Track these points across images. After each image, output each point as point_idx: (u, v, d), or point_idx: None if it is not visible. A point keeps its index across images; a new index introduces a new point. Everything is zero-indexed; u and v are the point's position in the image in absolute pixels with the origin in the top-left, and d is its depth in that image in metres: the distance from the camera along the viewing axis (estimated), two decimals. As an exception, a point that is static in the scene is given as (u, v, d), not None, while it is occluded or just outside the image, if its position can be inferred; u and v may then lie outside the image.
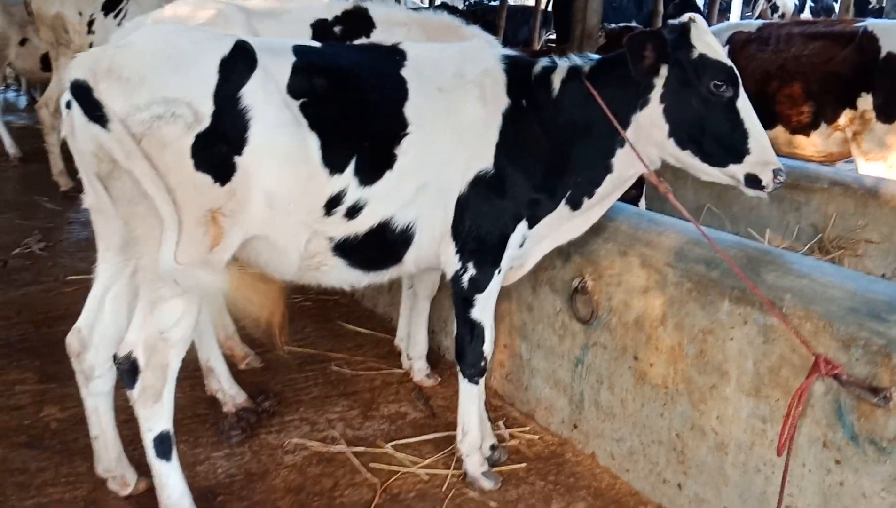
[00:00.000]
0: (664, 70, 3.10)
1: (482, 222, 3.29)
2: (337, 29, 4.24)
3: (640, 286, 3.50)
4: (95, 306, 3.25)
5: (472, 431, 3.60)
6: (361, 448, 3.83)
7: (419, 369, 4.54)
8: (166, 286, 2.91)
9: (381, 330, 5.15)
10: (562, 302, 3.91)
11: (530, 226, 3.40)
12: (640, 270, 3.51)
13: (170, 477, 3.16)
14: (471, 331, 3.47)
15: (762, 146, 3.11)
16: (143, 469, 3.48)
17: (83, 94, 2.73)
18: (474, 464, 3.59)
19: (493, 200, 3.28)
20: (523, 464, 3.77)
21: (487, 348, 3.52)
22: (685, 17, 3.17)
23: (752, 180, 3.12)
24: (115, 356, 3.07)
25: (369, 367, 4.68)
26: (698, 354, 3.25)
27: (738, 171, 3.12)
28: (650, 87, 3.14)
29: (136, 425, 3.76)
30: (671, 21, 3.29)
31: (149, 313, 2.97)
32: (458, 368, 3.56)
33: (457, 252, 3.35)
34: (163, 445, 3.11)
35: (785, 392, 2.91)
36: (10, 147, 9.91)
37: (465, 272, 3.37)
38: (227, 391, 4.08)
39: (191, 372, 4.15)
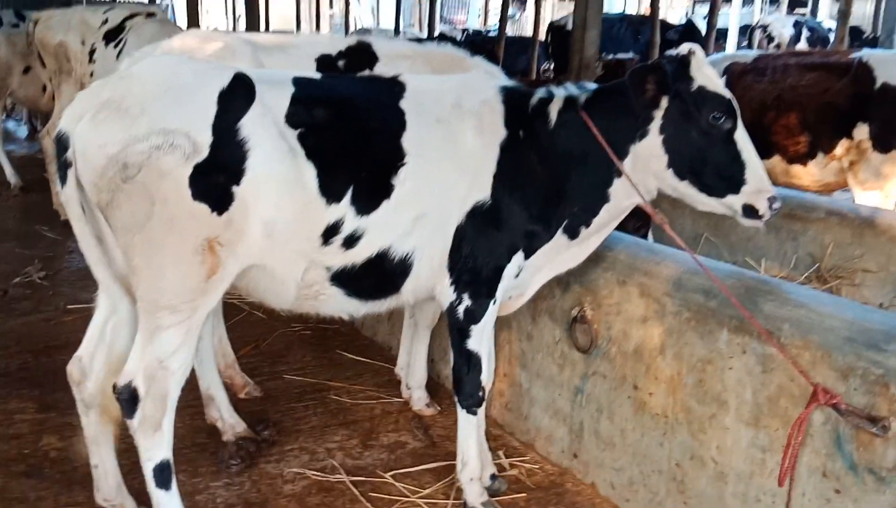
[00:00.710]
0: (664, 102, 3.13)
1: (478, 253, 3.30)
2: (341, 63, 4.29)
3: (639, 316, 3.52)
4: (97, 335, 3.26)
5: (472, 461, 3.59)
6: (361, 478, 3.82)
7: (418, 398, 4.54)
8: (165, 315, 2.93)
9: (381, 359, 5.15)
10: (561, 331, 3.92)
11: (526, 257, 3.41)
12: (639, 299, 3.53)
13: (169, 506, 3.16)
14: (467, 362, 3.47)
15: (759, 177, 3.14)
16: (142, 499, 3.48)
17: (60, 148, 2.86)
18: (474, 494, 3.58)
19: (490, 231, 3.29)
20: (523, 494, 3.76)
21: (485, 378, 3.52)
22: (684, 48, 3.19)
23: (749, 211, 3.15)
24: (114, 386, 3.08)
25: (368, 396, 4.68)
26: (697, 383, 3.26)
27: (735, 201, 3.15)
28: (649, 118, 3.16)
29: (136, 454, 3.77)
30: (669, 52, 3.32)
31: (148, 342, 2.98)
32: (456, 398, 3.57)
33: (452, 283, 3.35)
34: (163, 474, 3.11)
35: (784, 422, 2.92)
36: (11, 176, 9.96)
37: (460, 303, 3.38)
38: (227, 420, 4.08)
39: (190, 401, 4.16)
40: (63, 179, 2.87)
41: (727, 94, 3.14)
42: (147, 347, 2.99)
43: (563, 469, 3.96)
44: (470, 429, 3.58)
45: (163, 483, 3.13)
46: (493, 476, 3.77)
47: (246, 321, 5.74)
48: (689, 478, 3.33)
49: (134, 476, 3.65)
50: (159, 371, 2.98)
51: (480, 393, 3.52)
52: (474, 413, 3.56)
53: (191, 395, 4.05)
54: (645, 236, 4.93)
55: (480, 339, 3.45)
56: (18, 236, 7.89)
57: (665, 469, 3.43)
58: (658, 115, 3.15)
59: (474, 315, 3.39)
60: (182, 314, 2.95)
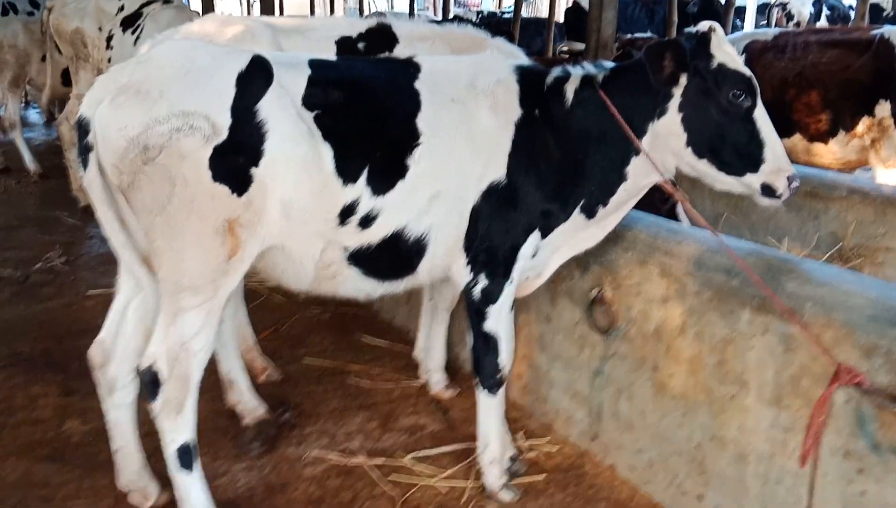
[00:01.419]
0: (683, 79, 3.10)
1: (494, 233, 3.29)
2: (361, 45, 4.28)
3: (660, 296, 3.49)
4: (118, 318, 3.29)
5: (493, 442, 3.59)
6: (380, 461, 3.83)
7: (437, 381, 4.54)
8: (187, 296, 2.95)
9: (400, 342, 5.15)
10: (580, 313, 3.90)
11: (543, 236, 3.40)
12: (660, 279, 3.50)
13: (192, 489, 3.18)
14: (486, 343, 3.47)
15: (777, 155, 3.12)
16: (164, 482, 3.51)
17: (81, 133, 2.88)
18: (494, 476, 3.59)
19: (505, 211, 3.28)
20: (542, 476, 3.76)
21: (504, 359, 3.51)
22: (704, 25, 3.16)
23: (768, 190, 3.14)
24: (137, 368, 3.10)
25: (388, 379, 4.69)
26: (718, 364, 3.24)
27: (754, 180, 3.14)
28: (668, 96, 3.14)
29: (158, 438, 3.80)
30: (688, 29, 3.28)
31: (170, 324, 3.00)
32: (477, 380, 3.56)
33: (468, 264, 3.35)
34: (185, 457, 3.14)
35: (806, 402, 2.90)
36: (31, 163, 10.03)
37: (476, 284, 3.38)
38: (247, 404, 4.09)
39: (211, 385, 4.18)
40: (85, 164, 2.90)
41: (747, 71, 3.11)
42: (169, 329, 3.00)
43: (582, 451, 3.95)
44: (490, 410, 3.58)
45: (185, 465, 3.15)
46: (512, 458, 3.77)
47: (265, 305, 5.76)
48: (709, 459, 3.31)
49: (157, 460, 3.68)
50: (182, 353, 3.00)
51: (500, 374, 3.52)
52: (494, 394, 3.56)
53: (211, 378, 4.07)
54: (673, 214, 4.86)
55: (499, 319, 3.44)
56: (39, 223, 7.94)
57: (685, 451, 3.41)
58: (677, 92, 3.13)
59: (491, 296, 3.38)
60: (204, 296, 2.97)
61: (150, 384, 3.05)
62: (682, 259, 3.45)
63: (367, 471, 3.75)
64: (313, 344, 5.17)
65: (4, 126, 10.07)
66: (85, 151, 2.88)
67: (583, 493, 3.64)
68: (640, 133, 3.22)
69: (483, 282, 3.36)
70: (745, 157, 3.12)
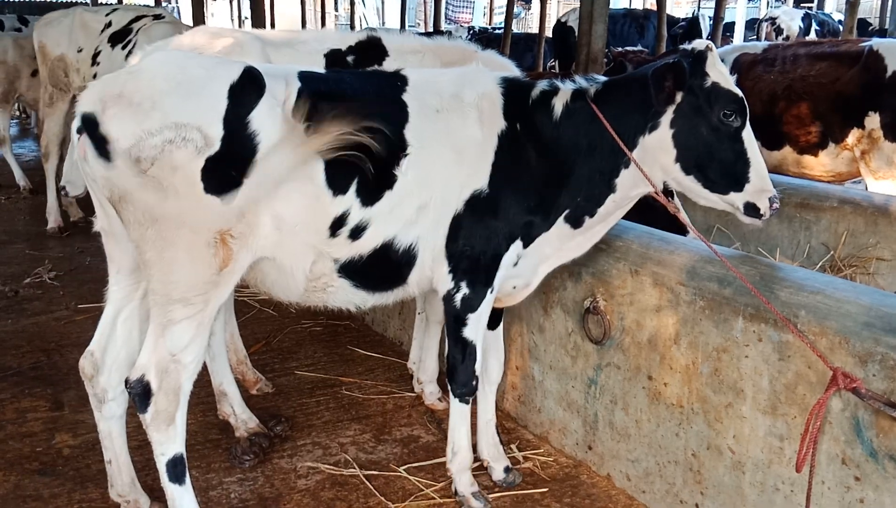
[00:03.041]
0: (678, 96, 3.13)
1: (475, 241, 3.29)
2: (350, 58, 4.27)
3: (653, 305, 3.49)
4: (108, 329, 3.26)
5: (462, 450, 3.60)
6: (374, 472, 3.81)
7: (430, 392, 4.53)
8: (178, 308, 2.93)
9: (392, 354, 5.14)
10: (574, 323, 3.90)
11: (525, 245, 3.40)
12: (653, 289, 3.50)
13: (183, 500, 3.16)
14: (463, 350, 3.46)
15: (761, 176, 3.17)
16: (155, 495, 3.48)
17: (91, 127, 2.79)
18: (464, 484, 3.59)
19: (487, 220, 3.29)
20: (538, 487, 3.74)
21: (479, 367, 3.52)
22: (700, 43, 3.20)
23: (751, 209, 3.18)
24: (126, 380, 3.08)
25: (381, 391, 4.67)
26: (713, 372, 3.23)
27: (737, 199, 3.18)
28: (660, 111, 3.16)
29: (148, 450, 3.76)
30: (684, 46, 3.30)
31: (160, 336, 2.98)
32: (450, 387, 3.57)
33: (449, 271, 3.35)
34: (176, 468, 3.11)
35: (802, 409, 2.89)
36: (21, 179, 10.01)
37: (457, 292, 3.37)
38: (240, 416, 4.07)
39: (202, 398, 4.16)
40: (106, 157, 2.78)
41: (739, 92, 3.16)
42: (159, 341, 2.98)
43: (578, 461, 3.94)
44: (462, 418, 3.59)
45: (176, 477, 3.12)
46: (506, 469, 3.76)
47: (256, 319, 5.75)
48: (705, 468, 3.30)
49: (147, 473, 3.66)
50: (172, 365, 2.98)
51: (474, 382, 3.52)
52: (467, 402, 3.56)
53: (203, 391, 4.06)
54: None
55: (477, 328, 3.44)
56: (28, 238, 7.92)
57: (681, 460, 3.40)
58: (670, 108, 3.15)
59: (471, 304, 3.38)
60: (194, 307, 2.94)
61: (140, 395, 3.02)
62: (675, 268, 3.45)
63: (361, 482, 3.72)
64: (305, 357, 5.15)
65: None
66: (102, 142, 2.76)
67: (579, 503, 3.62)
68: (631, 146, 3.24)
69: (464, 290, 3.36)
70: (730, 176, 3.16)
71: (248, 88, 2.91)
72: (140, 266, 3.03)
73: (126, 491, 3.37)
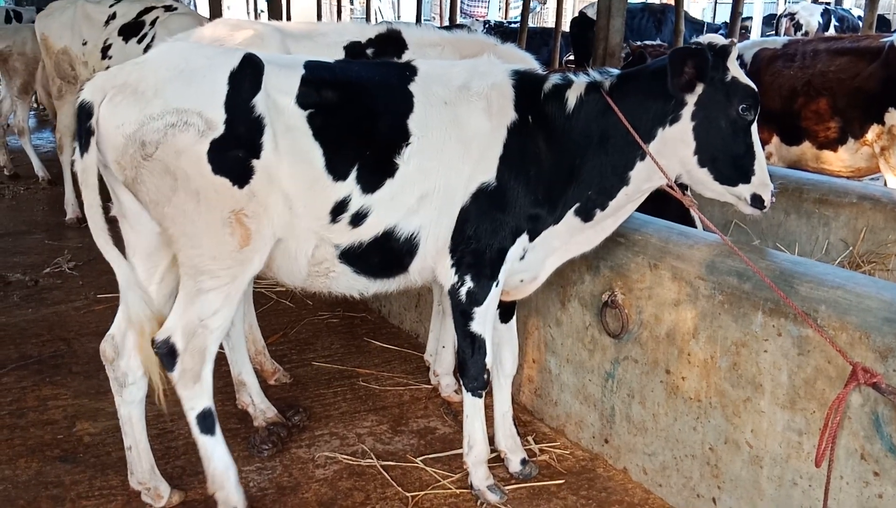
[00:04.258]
0: (699, 88, 3.13)
1: (481, 235, 3.30)
2: (370, 51, 4.28)
3: (671, 299, 3.49)
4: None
5: (478, 444, 3.61)
6: (391, 462, 3.84)
7: (447, 384, 4.54)
8: (206, 279, 3.04)
9: (409, 346, 5.16)
10: (591, 316, 3.90)
11: (531, 239, 3.41)
12: (671, 283, 3.50)
13: (215, 450, 3.29)
14: (472, 345, 3.47)
15: (763, 168, 3.25)
16: (175, 483, 3.52)
17: (83, 116, 2.94)
18: (480, 477, 3.61)
19: (494, 213, 3.29)
20: (554, 479, 3.75)
21: (489, 360, 3.52)
22: (717, 38, 3.22)
23: (757, 200, 3.24)
24: (153, 341, 3.16)
25: (397, 383, 4.69)
26: (731, 367, 3.23)
27: (745, 191, 3.24)
28: (682, 103, 3.16)
29: (167, 439, 3.81)
30: (702, 39, 3.30)
31: (189, 303, 3.10)
32: (461, 382, 3.58)
33: (453, 265, 3.36)
34: (206, 421, 3.25)
35: (821, 404, 2.89)
36: (39, 169, 10.08)
37: (462, 285, 3.38)
38: (258, 406, 4.10)
39: (221, 387, 4.18)
40: (84, 147, 2.96)
41: (754, 86, 3.19)
42: (189, 307, 3.10)
43: (594, 454, 3.95)
44: (475, 412, 3.60)
45: (207, 429, 3.26)
46: (523, 461, 3.78)
47: (274, 310, 5.78)
48: (723, 462, 3.30)
49: (167, 461, 3.70)
50: (199, 329, 3.10)
51: (486, 376, 3.53)
52: (479, 396, 3.58)
53: (222, 381, 4.09)
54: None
55: (484, 321, 3.45)
56: (48, 228, 7.99)
57: (699, 454, 3.41)
58: (691, 101, 3.16)
59: (477, 297, 3.39)
60: (222, 280, 3.05)
61: (166, 355, 3.13)
62: (694, 263, 3.45)
63: (378, 473, 3.74)
64: (322, 348, 5.18)
65: (15, 132, 10.13)
66: (87, 134, 2.94)
67: (595, 496, 3.63)
68: (649, 138, 3.23)
69: (469, 284, 3.37)
70: (741, 168, 3.22)
71: (247, 74, 3.02)
72: (161, 245, 3.14)
73: (146, 478, 3.41)
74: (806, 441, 2.97)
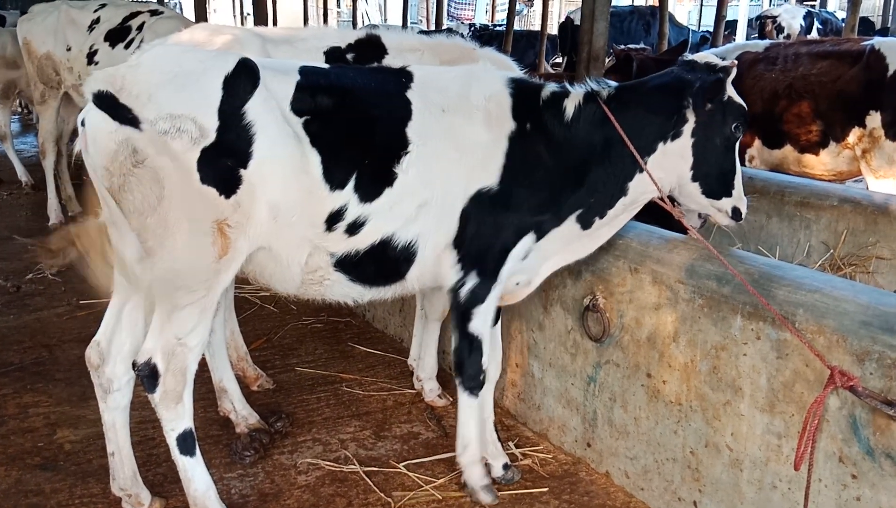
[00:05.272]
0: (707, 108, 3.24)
1: (484, 235, 3.31)
2: (350, 56, 4.29)
3: (652, 303, 3.50)
4: (113, 320, 3.32)
5: (473, 444, 3.61)
6: (374, 468, 3.83)
7: (430, 389, 4.54)
8: (182, 295, 2.99)
9: (392, 351, 5.15)
10: (573, 320, 3.91)
11: (538, 238, 3.42)
12: (652, 287, 3.51)
13: (195, 472, 3.27)
14: (470, 344, 3.47)
15: (741, 183, 3.42)
16: (156, 491, 3.50)
17: (109, 102, 2.84)
18: (475, 477, 3.61)
19: (496, 215, 3.30)
20: (537, 484, 3.75)
21: (487, 360, 3.53)
22: (712, 57, 3.34)
23: (736, 212, 3.41)
24: (134, 363, 3.15)
25: (381, 388, 4.68)
26: (711, 370, 3.25)
27: (727, 204, 3.39)
28: (684, 120, 3.24)
29: (150, 446, 3.79)
30: (696, 58, 3.38)
31: (166, 321, 3.06)
32: (458, 381, 3.58)
33: (456, 263, 3.36)
34: (186, 442, 3.22)
35: (799, 408, 2.91)
36: (23, 175, 10.01)
37: (464, 284, 3.39)
38: (240, 412, 4.09)
39: (203, 394, 4.17)
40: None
41: (745, 105, 3.32)
42: (165, 325, 3.06)
43: (577, 458, 3.95)
44: (471, 412, 3.60)
45: (186, 450, 3.23)
46: (505, 466, 3.78)
47: (257, 315, 5.76)
48: (704, 466, 3.31)
49: (148, 469, 3.68)
50: (178, 348, 3.07)
51: (482, 376, 3.54)
52: (476, 396, 3.58)
53: (203, 388, 4.08)
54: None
55: (484, 321, 3.45)
56: (30, 233, 7.91)
57: (680, 457, 3.42)
58: (692, 118, 3.23)
59: (478, 296, 3.39)
60: (197, 294, 3.02)
61: (148, 377, 3.10)
62: (674, 267, 3.46)
63: (360, 479, 3.74)
64: (306, 353, 5.17)
65: None
66: (125, 111, 2.84)
67: (577, 500, 3.64)
68: (649, 151, 3.29)
69: (472, 282, 3.37)
70: (726, 183, 3.36)
71: (242, 80, 2.96)
72: (143, 255, 3.07)
73: (128, 485, 3.39)
74: (785, 444, 2.98)
